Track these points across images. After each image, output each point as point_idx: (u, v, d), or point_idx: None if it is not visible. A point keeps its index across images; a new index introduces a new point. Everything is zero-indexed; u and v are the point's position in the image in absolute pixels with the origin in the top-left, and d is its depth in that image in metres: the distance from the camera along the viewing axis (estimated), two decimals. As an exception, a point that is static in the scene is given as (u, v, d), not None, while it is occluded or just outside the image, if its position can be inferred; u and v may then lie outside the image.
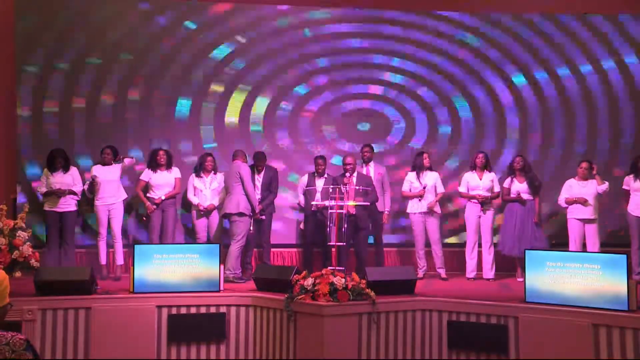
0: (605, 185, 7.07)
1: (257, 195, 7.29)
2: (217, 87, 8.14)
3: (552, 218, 7.88)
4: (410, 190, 7.37)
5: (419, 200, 7.28)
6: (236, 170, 6.90)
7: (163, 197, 7.18)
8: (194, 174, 7.42)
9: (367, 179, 7.24)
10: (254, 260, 7.57)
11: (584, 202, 7.03)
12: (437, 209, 7.33)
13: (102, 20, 7.92)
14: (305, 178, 7.56)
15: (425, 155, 7.42)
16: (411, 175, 7.40)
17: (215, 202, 7.31)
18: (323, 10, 8.37)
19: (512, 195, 7.23)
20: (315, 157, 7.54)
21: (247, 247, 7.10)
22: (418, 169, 7.38)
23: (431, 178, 7.33)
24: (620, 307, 5.13)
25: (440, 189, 7.36)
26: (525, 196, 7.17)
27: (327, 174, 7.45)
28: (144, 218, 7.22)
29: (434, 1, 8.62)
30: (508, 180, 7.33)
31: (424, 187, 7.25)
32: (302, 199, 7.58)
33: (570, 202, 7.12)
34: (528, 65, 8.46)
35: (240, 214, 6.82)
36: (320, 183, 7.35)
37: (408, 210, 7.40)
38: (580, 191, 7.10)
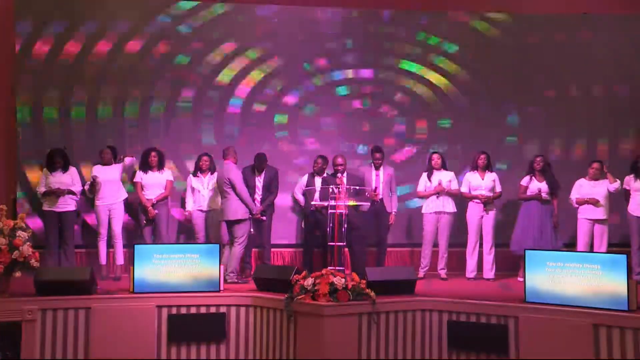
0: (617, 184, 7.07)
1: (257, 196, 7.28)
2: (219, 85, 8.15)
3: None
4: (425, 190, 7.39)
5: (437, 197, 7.28)
6: (226, 176, 6.77)
7: (154, 201, 7.17)
8: (191, 175, 7.42)
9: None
10: (253, 260, 7.58)
11: (595, 202, 7.03)
12: (453, 207, 7.32)
13: (102, 19, 7.93)
14: (305, 178, 7.55)
15: (434, 156, 7.44)
16: (425, 176, 7.44)
17: (214, 204, 7.29)
18: (323, 10, 8.36)
19: (529, 193, 7.21)
20: (317, 157, 7.53)
21: (246, 247, 7.09)
22: (428, 170, 7.41)
23: (444, 178, 7.33)
24: (620, 307, 5.12)
25: (455, 187, 7.36)
26: (544, 196, 7.15)
27: (327, 173, 7.44)
28: (144, 222, 7.21)
29: (435, 0, 8.62)
30: (526, 178, 7.31)
31: (440, 183, 7.24)
32: (301, 198, 7.58)
33: (580, 203, 7.12)
34: (528, 65, 8.46)
35: (239, 221, 6.79)
36: (319, 182, 7.34)
37: (423, 210, 7.42)
38: (590, 191, 7.10)
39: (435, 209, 7.30)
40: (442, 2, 8.56)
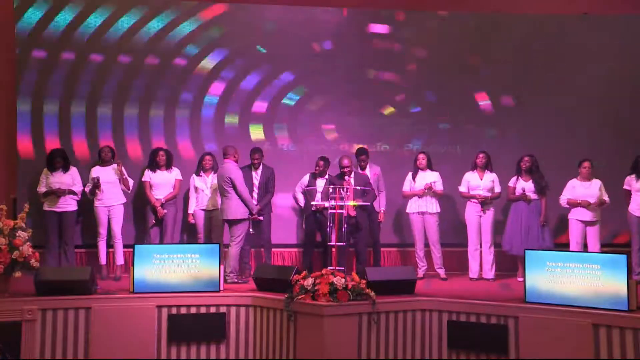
0: (606, 205, 7.10)
1: (255, 194, 7.27)
2: (219, 84, 8.16)
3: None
4: (410, 189, 7.39)
5: (418, 198, 7.29)
6: (227, 175, 6.80)
7: (163, 200, 7.18)
8: (194, 175, 7.42)
9: (364, 178, 7.26)
10: (253, 260, 7.57)
11: (587, 205, 7.02)
12: (437, 207, 7.33)
13: (103, 19, 7.93)
14: (306, 178, 7.55)
15: (420, 156, 7.43)
16: (410, 176, 7.44)
17: (217, 203, 7.29)
18: (322, 9, 8.36)
19: (516, 194, 7.23)
20: (318, 159, 7.51)
21: (244, 247, 7.08)
22: (414, 169, 7.41)
23: (429, 178, 7.33)
24: (620, 307, 5.13)
25: (440, 188, 7.35)
26: (531, 195, 7.16)
27: (329, 174, 7.44)
28: (153, 222, 7.22)
29: (435, 1, 8.62)
30: (514, 179, 7.33)
31: (431, 186, 7.24)
32: (301, 197, 7.58)
33: (573, 204, 7.11)
34: (528, 65, 8.46)
35: (238, 220, 6.81)
36: (321, 183, 7.34)
37: (407, 210, 7.42)
38: (584, 192, 7.08)
39: (419, 209, 7.32)
40: (444, 3, 8.56)
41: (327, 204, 6.71)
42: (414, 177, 7.39)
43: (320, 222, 7.29)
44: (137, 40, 7.98)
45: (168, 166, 7.34)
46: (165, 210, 7.17)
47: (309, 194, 7.37)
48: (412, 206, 7.36)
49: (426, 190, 7.25)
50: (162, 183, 7.26)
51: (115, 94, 7.92)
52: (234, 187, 6.74)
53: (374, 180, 7.51)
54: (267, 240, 7.54)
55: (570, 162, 7.71)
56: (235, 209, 6.75)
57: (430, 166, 7.43)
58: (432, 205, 7.31)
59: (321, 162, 7.42)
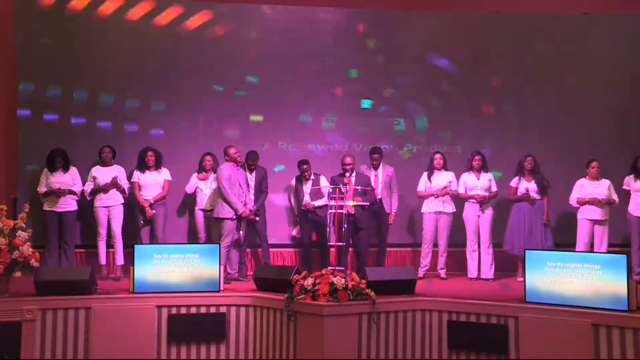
0: (615, 204, 7.15)
1: (250, 195, 7.26)
2: (217, 88, 8.16)
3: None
4: (425, 190, 7.40)
5: (435, 198, 7.30)
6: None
7: (152, 200, 7.16)
8: (196, 173, 7.42)
9: (365, 178, 7.26)
10: (250, 260, 7.57)
11: (596, 203, 7.02)
12: (453, 207, 7.34)
13: (102, 21, 7.91)
14: (293, 182, 7.58)
15: (436, 155, 7.44)
16: (426, 176, 7.45)
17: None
18: (324, 9, 8.35)
19: (519, 194, 7.23)
20: (299, 163, 7.46)
21: (241, 247, 7.08)
22: (429, 169, 7.42)
23: (444, 178, 7.35)
24: (620, 307, 5.13)
25: (455, 188, 7.38)
26: (534, 195, 7.17)
27: (314, 173, 7.44)
28: (141, 222, 7.21)
29: (435, 1, 8.62)
30: (516, 179, 7.34)
31: (446, 187, 7.28)
32: (292, 200, 7.65)
33: (582, 203, 7.11)
34: (528, 65, 8.46)
35: (221, 219, 6.83)
36: (308, 184, 7.37)
37: (423, 210, 7.42)
38: (592, 191, 7.09)
39: (436, 209, 7.32)
40: (445, 3, 8.56)
41: (315, 204, 6.76)
42: (429, 177, 7.40)
43: (314, 221, 7.31)
44: (137, 40, 7.98)
45: (157, 167, 7.31)
46: (153, 211, 7.15)
47: (300, 193, 7.41)
48: (429, 206, 7.35)
49: (448, 191, 7.28)
50: (151, 184, 7.22)
51: (115, 93, 7.90)
52: (218, 187, 6.84)
53: (386, 180, 7.51)
54: (264, 240, 7.53)
55: (570, 162, 7.74)
56: (219, 208, 6.82)
57: (445, 166, 7.44)
58: (448, 205, 7.33)
59: (305, 167, 7.40)
